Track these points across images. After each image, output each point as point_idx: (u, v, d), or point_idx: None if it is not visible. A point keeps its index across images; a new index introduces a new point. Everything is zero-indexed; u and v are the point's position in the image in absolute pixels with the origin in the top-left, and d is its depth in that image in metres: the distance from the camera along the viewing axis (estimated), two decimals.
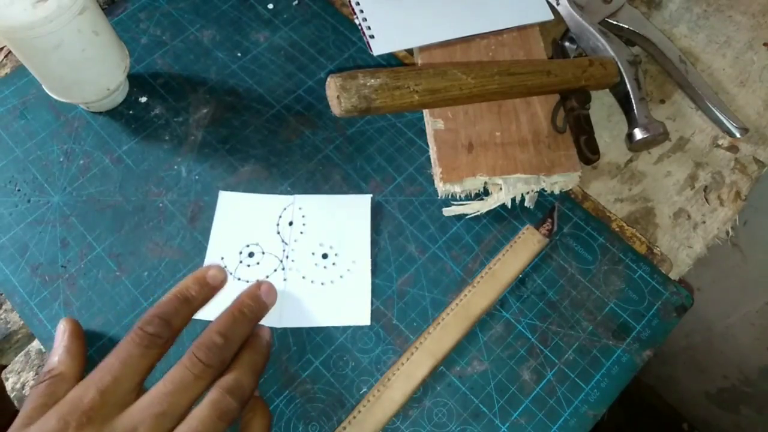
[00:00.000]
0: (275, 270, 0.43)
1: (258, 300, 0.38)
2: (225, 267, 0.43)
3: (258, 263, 0.43)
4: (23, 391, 0.41)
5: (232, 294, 0.40)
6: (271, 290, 0.39)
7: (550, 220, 0.43)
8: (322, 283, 0.42)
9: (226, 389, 0.33)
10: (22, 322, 0.43)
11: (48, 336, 0.41)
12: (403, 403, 0.38)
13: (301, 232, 0.44)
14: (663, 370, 1.06)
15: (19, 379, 0.41)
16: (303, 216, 0.44)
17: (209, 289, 0.38)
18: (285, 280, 0.42)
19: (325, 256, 0.43)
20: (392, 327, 0.41)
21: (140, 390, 0.33)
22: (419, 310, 0.42)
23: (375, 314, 0.42)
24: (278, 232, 0.44)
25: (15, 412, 0.40)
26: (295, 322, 0.41)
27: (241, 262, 0.43)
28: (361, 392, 0.39)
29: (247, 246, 0.43)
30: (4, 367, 0.42)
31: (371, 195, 0.45)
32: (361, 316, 0.41)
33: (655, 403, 1.14)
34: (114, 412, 0.31)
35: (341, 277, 0.42)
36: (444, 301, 0.42)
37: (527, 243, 0.42)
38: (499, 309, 0.42)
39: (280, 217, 0.44)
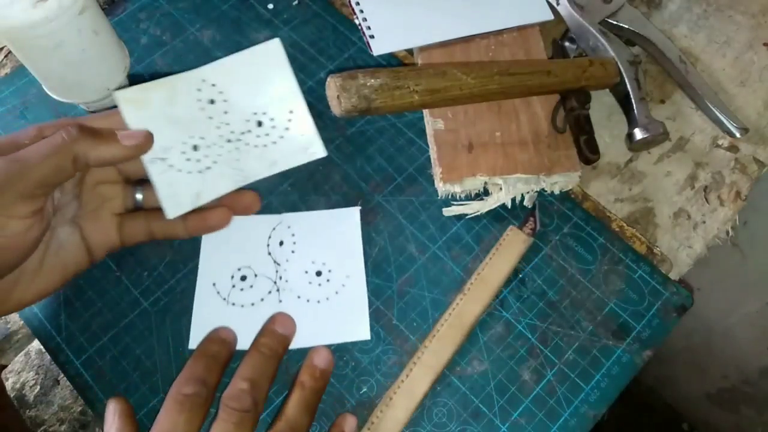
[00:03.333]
0: (269, 292, 0.42)
1: (274, 335, 0.38)
2: (218, 293, 0.42)
3: (251, 286, 0.42)
4: (23, 391, 0.41)
5: (228, 321, 0.40)
6: (286, 320, 0.39)
7: (532, 219, 0.43)
8: (318, 301, 0.41)
9: None
10: (22, 322, 0.43)
11: (48, 336, 0.41)
12: (406, 422, 0.38)
13: (293, 251, 0.43)
14: (663, 370, 1.06)
15: (19, 379, 0.41)
16: (293, 235, 0.44)
17: (228, 345, 0.38)
18: (280, 301, 0.41)
19: (318, 273, 0.42)
20: (392, 327, 0.41)
21: None
22: (419, 310, 0.42)
23: (375, 314, 0.42)
24: (269, 253, 0.43)
25: (15, 412, 0.40)
26: (295, 343, 0.40)
27: (233, 286, 0.42)
28: (361, 392, 0.39)
29: (239, 269, 0.42)
30: (4, 367, 0.42)
31: (359, 207, 0.45)
32: (361, 331, 0.41)
33: (655, 403, 1.14)
34: None
35: (336, 293, 0.42)
36: (444, 301, 0.42)
37: (513, 244, 0.42)
38: (499, 309, 0.42)
39: (270, 237, 0.44)
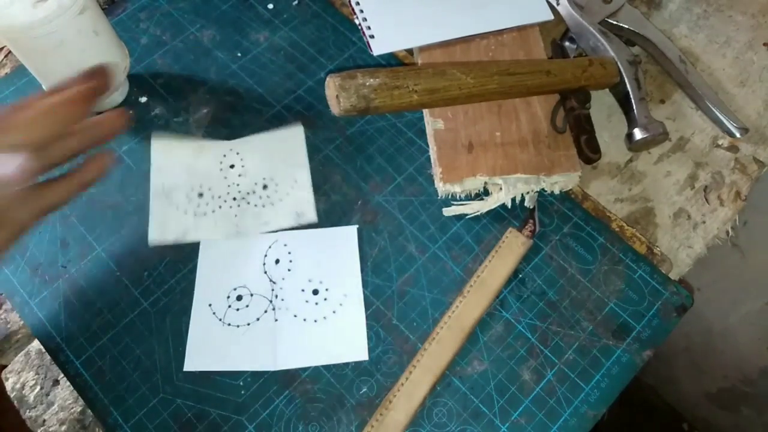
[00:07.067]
0: (265, 311, 0.41)
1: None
2: (214, 314, 0.41)
3: (247, 306, 0.41)
4: (23, 391, 0.41)
5: (223, 342, 0.40)
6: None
7: (531, 221, 0.43)
8: (315, 320, 0.41)
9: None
10: (22, 322, 0.43)
11: (48, 336, 0.41)
12: (407, 425, 0.38)
13: (289, 270, 0.43)
14: (663, 370, 1.06)
15: (19, 379, 0.41)
16: (289, 253, 0.43)
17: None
18: (276, 320, 0.41)
19: (315, 291, 0.42)
20: (392, 327, 0.41)
21: None
22: (419, 310, 0.42)
23: (375, 314, 0.42)
24: (265, 272, 0.43)
25: (15, 412, 0.40)
26: (291, 363, 0.40)
27: (230, 306, 0.42)
28: (361, 392, 0.39)
29: (235, 289, 0.42)
30: (4, 367, 0.42)
31: (357, 226, 0.44)
32: (359, 351, 0.40)
33: (655, 403, 1.14)
34: None
35: (334, 312, 0.41)
36: (444, 301, 0.42)
37: (512, 246, 0.42)
38: (499, 309, 0.42)
39: (266, 255, 0.43)
